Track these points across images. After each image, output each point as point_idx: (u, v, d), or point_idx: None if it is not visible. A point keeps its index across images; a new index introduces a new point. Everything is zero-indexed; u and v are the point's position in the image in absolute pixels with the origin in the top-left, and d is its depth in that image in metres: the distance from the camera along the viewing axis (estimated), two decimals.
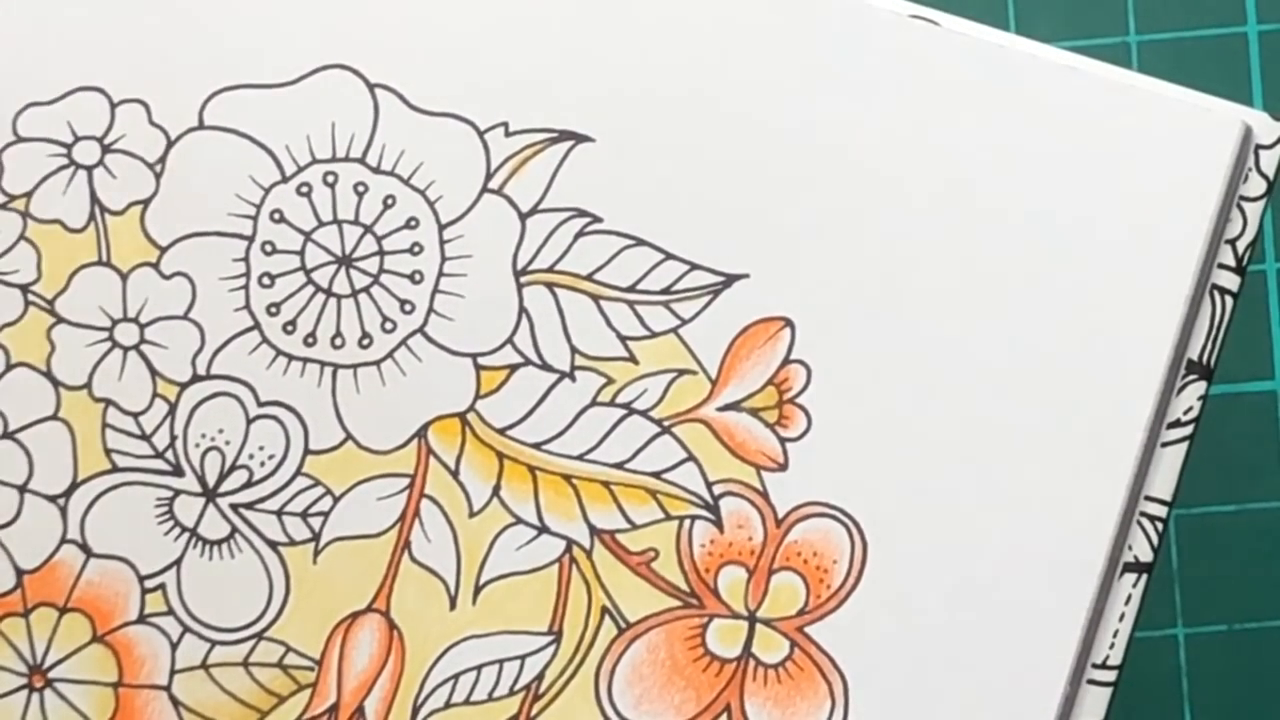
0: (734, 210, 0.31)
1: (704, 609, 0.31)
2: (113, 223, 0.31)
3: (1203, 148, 0.30)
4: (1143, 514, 0.31)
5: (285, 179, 0.31)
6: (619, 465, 0.31)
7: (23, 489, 0.31)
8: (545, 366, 0.31)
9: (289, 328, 0.31)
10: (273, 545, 0.30)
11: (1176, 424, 0.31)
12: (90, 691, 0.30)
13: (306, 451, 0.31)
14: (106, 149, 0.31)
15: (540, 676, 0.31)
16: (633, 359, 0.31)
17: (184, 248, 0.31)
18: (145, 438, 0.31)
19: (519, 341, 0.31)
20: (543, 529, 0.31)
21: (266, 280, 0.31)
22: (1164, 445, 0.31)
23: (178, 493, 0.30)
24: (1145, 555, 0.31)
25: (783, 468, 0.31)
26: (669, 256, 0.31)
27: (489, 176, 0.31)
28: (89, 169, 0.31)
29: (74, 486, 0.31)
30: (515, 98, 0.31)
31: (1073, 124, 0.30)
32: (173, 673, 0.30)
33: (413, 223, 0.31)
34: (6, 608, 0.30)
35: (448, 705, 0.30)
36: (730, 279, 0.31)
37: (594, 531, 0.31)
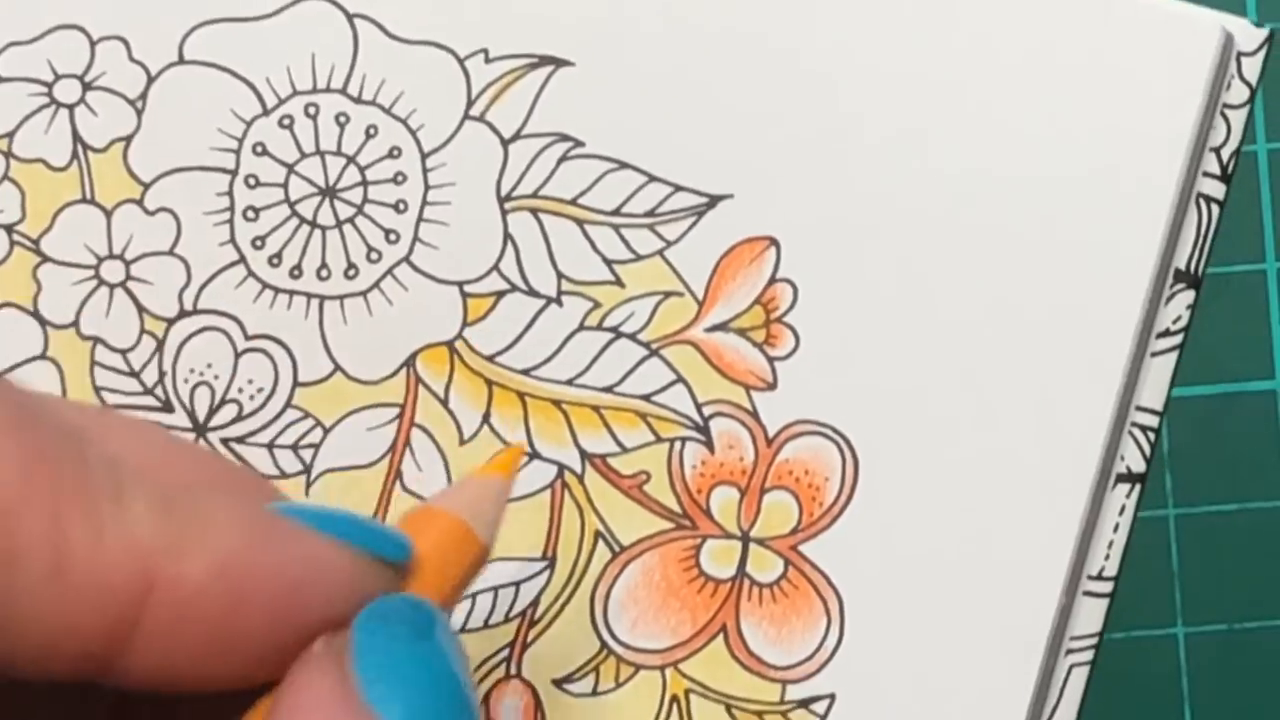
0: (717, 131, 0.30)
1: (697, 530, 0.31)
2: (95, 160, 0.31)
3: (1183, 55, 0.30)
4: (1134, 424, 0.31)
5: (267, 112, 0.31)
6: (608, 389, 0.31)
7: None
8: (532, 292, 0.31)
9: (274, 260, 0.31)
10: (265, 479, 0.30)
11: (1166, 333, 0.31)
12: None
13: (295, 384, 0.31)
14: (87, 87, 0.31)
15: (535, 602, 0.31)
16: (619, 283, 0.31)
17: (167, 183, 0.31)
18: (134, 374, 0.31)
19: (505, 268, 0.31)
20: (534, 455, 0.31)
21: (251, 214, 0.31)
22: (1153, 355, 0.31)
23: (169, 429, 0.30)
24: (1138, 465, 0.31)
25: (772, 387, 0.31)
26: (653, 179, 0.31)
27: (470, 104, 0.31)
28: (70, 107, 0.31)
29: None
30: (494, 24, 0.31)
31: (1051, 34, 0.30)
32: None
33: (395, 152, 0.31)
34: None
35: None
36: (714, 200, 0.31)
37: (585, 456, 0.31)
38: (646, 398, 0.31)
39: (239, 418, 0.31)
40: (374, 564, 0.23)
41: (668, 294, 0.31)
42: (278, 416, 0.31)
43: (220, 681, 0.22)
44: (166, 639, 0.21)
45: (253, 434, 0.31)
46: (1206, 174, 0.31)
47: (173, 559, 0.21)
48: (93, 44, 0.31)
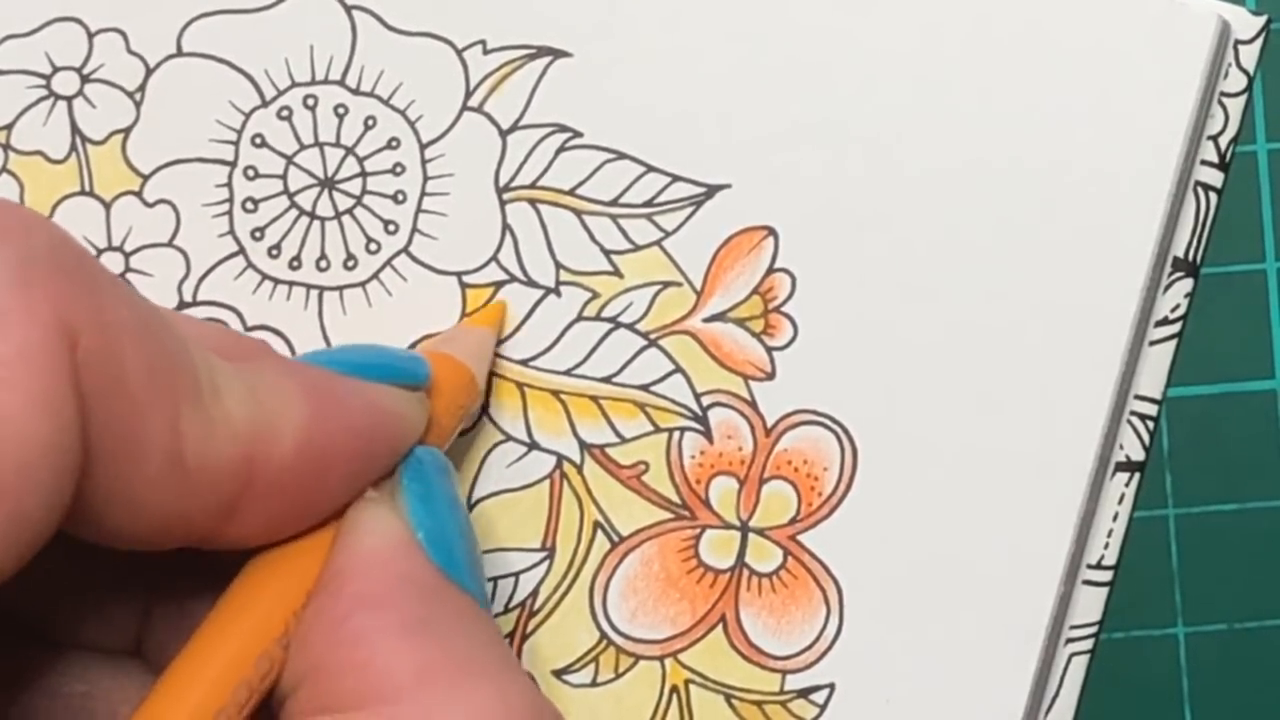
0: (714, 120, 0.31)
1: (696, 520, 0.31)
2: (94, 152, 0.31)
3: (1180, 43, 0.30)
4: (1133, 413, 0.31)
5: (265, 103, 0.31)
6: (607, 379, 0.31)
7: None
8: (530, 283, 0.31)
9: (274, 252, 0.31)
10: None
11: (1164, 322, 0.31)
12: None
13: None
14: (85, 79, 0.31)
15: (535, 593, 0.31)
16: (617, 273, 0.31)
17: (166, 175, 0.31)
18: None
19: (503, 259, 0.31)
20: (532, 445, 0.31)
21: (250, 205, 0.31)
22: (1152, 344, 0.31)
23: None
24: (1137, 454, 0.31)
25: (770, 377, 0.31)
26: (650, 169, 0.31)
27: (468, 94, 0.31)
28: (69, 99, 0.31)
29: None
30: (492, 15, 0.31)
31: (1047, 22, 0.30)
32: None
33: (394, 143, 0.31)
34: None
35: None
36: (712, 190, 0.31)
37: (584, 446, 0.31)
38: (645, 388, 0.31)
39: None
40: (414, 396, 0.26)
41: (666, 284, 0.31)
42: None
43: (290, 535, 0.24)
44: (262, 511, 0.24)
45: None
46: (1204, 162, 0.31)
47: (266, 443, 0.23)
48: (90, 36, 0.31)
